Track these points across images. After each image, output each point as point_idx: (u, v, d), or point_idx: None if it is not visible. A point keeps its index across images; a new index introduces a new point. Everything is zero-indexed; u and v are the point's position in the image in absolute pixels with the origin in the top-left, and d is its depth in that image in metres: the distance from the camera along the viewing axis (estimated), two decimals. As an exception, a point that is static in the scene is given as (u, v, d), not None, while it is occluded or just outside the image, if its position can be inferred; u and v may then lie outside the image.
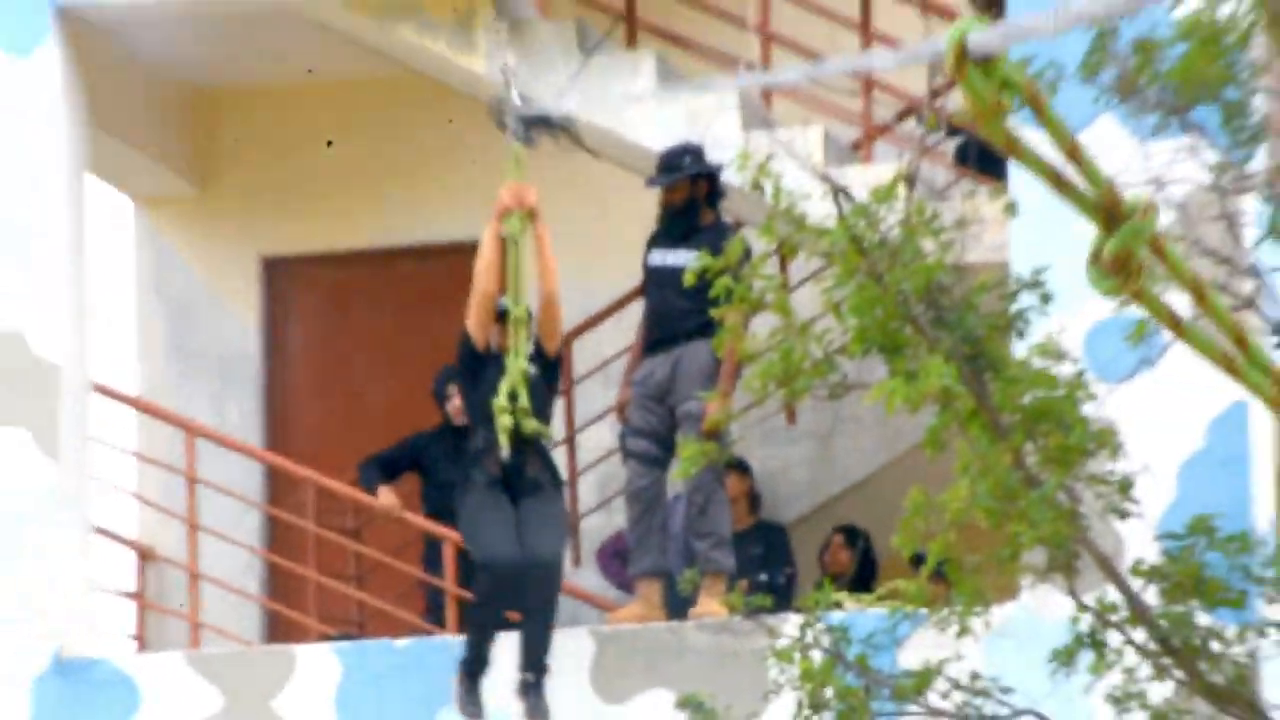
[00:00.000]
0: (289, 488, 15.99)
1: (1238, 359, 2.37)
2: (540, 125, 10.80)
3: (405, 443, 15.85)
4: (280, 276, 17.26)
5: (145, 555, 16.05)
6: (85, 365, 15.18)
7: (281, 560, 15.99)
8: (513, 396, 9.96)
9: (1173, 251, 2.19)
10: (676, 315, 14.25)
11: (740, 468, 14.70)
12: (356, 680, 14.34)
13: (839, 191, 11.51)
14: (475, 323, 10.45)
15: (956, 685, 10.93)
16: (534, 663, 10.50)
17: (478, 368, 10.51)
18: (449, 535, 14.55)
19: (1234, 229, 11.20)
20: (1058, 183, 2.01)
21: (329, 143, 16.32)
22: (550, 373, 10.67)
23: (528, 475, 10.34)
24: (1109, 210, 1.95)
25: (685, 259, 13.05)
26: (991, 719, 11.08)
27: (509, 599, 10.57)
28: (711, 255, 11.42)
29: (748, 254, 11.44)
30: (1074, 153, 1.86)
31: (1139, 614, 10.70)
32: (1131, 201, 2.01)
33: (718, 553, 14.58)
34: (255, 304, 17.20)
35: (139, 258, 17.32)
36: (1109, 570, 10.74)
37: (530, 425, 10.13)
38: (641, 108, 15.25)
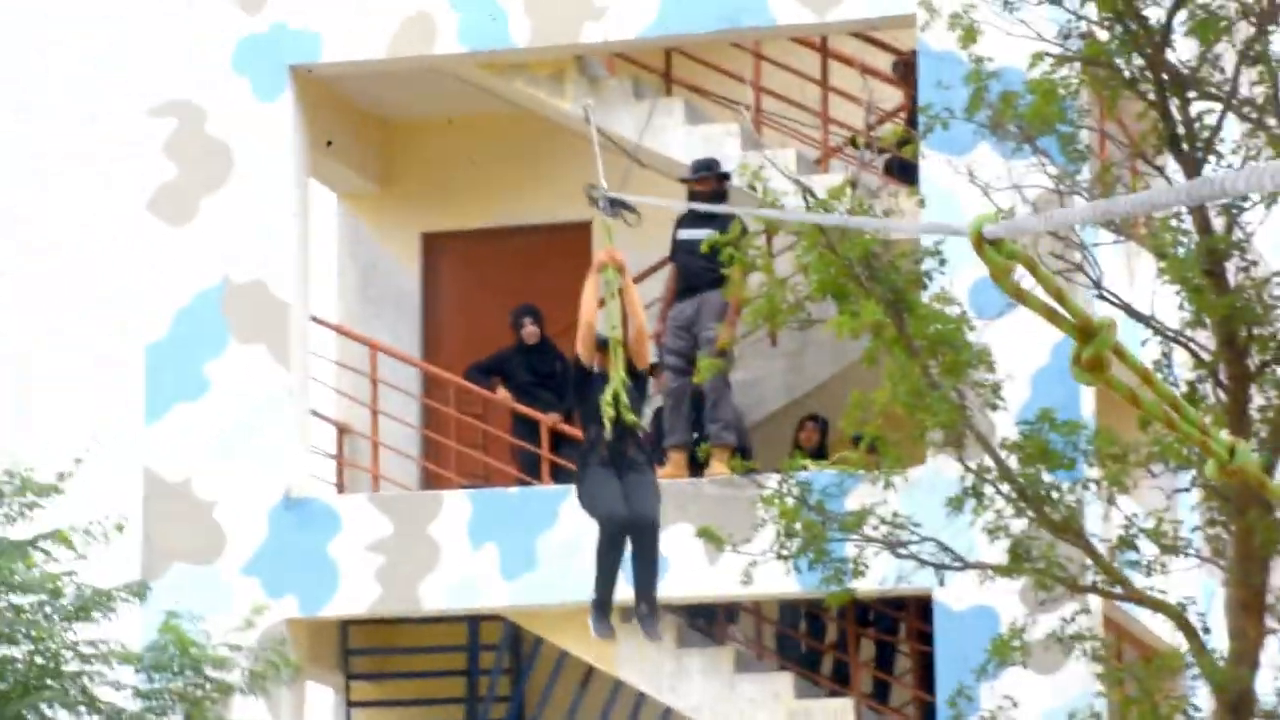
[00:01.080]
0: (439, 386, 16.10)
1: (1175, 417, 2.37)
2: (618, 205, 9.68)
3: (494, 356, 15.94)
4: (434, 245, 17.07)
5: (343, 430, 15.99)
6: (305, 303, 15.33)
7: (432, 434, 16.14)
8: (615, 398, 9.03)
9: (1126, 350, 2.11)
10: (698, 272, 14.46)
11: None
12: (482, 515, 14.63)
13: (806, 191, 11.78)
14: (582, 349, 9.49)
15: (883, 521, 11.95)
16: (647, 598, 9.54)
17: (585, 383, 9.57)
18: (541, 419, 15.15)
19: (1068, 217, 11.30)
20: (1050, 315, 2.02)
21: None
22: (640, 383, 9.68)
23: (628, 456, 9.30)
24: (1084, 329, 1.95)
25: (704, 234, 13.37)
26: (906, 544, 12.10)
27: (621, 549, 9.43)
28: (721, 233, 12.59)
29: (744, 231, 12.56)
30: (1059, 294, 2.06)
31: (1005, 474, 11.72)
32: (1099, 322, 2.00)
33: (725, 433, 14.79)
34: (417, 263, 16.82)
35: (340, 232, 17.08)
36: (985, 445, 11.70)
37: (629, 418, 9.15)
38: (675, 134, 15.27)
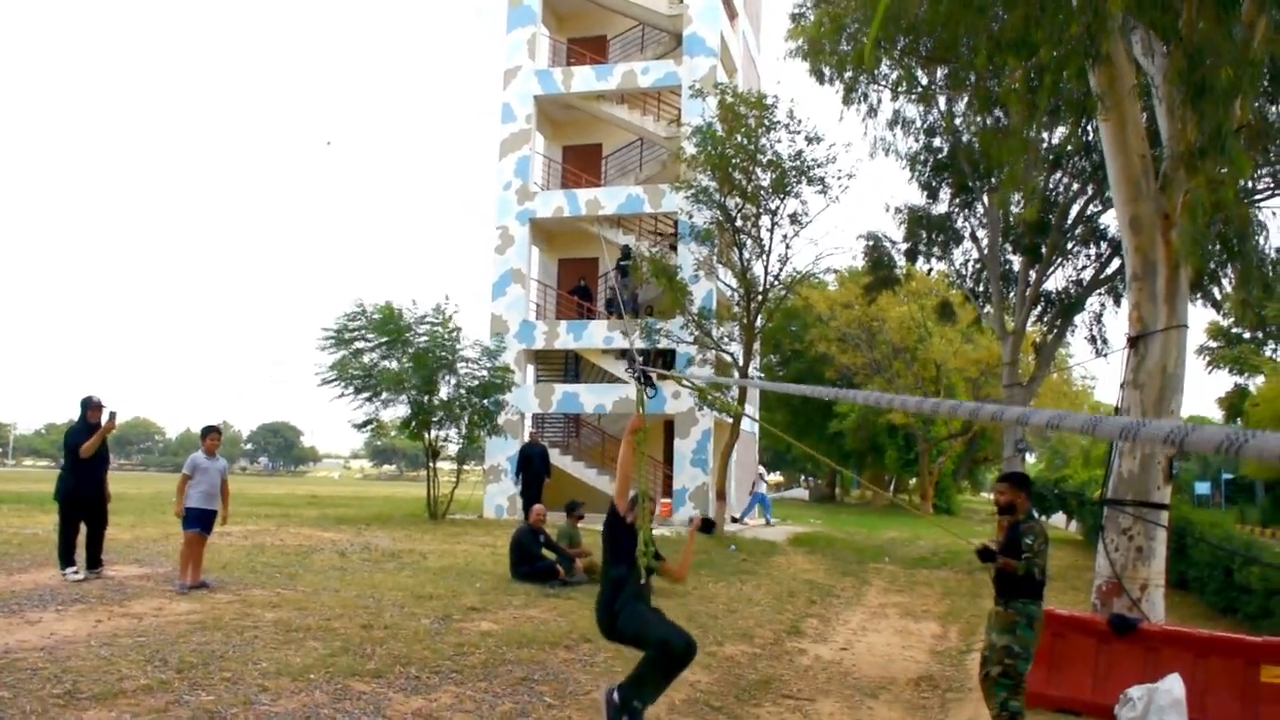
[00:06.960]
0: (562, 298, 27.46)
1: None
2: (647, 379, 8.56)
3: (575, 289, 26.86)
4: (563, 265, 29.88)
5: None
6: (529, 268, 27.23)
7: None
8: (645, 547, 8.20)
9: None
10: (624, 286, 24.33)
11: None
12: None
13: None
14: (620, 501, 8.38)
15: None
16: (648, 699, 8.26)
17: (617, 522, 8.41)
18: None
19: None
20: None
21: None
22: (659, 554, 8.36)
23: (649, 591, 8.34)
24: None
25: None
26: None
27: (677, 669, 8.15)
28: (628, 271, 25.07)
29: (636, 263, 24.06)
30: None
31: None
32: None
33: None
34: (556, 265, 29.46)
35: (538, 257, 28.44)
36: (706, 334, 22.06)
37: (655, 565, 8.22)
38: (616, 237, 26.30)
